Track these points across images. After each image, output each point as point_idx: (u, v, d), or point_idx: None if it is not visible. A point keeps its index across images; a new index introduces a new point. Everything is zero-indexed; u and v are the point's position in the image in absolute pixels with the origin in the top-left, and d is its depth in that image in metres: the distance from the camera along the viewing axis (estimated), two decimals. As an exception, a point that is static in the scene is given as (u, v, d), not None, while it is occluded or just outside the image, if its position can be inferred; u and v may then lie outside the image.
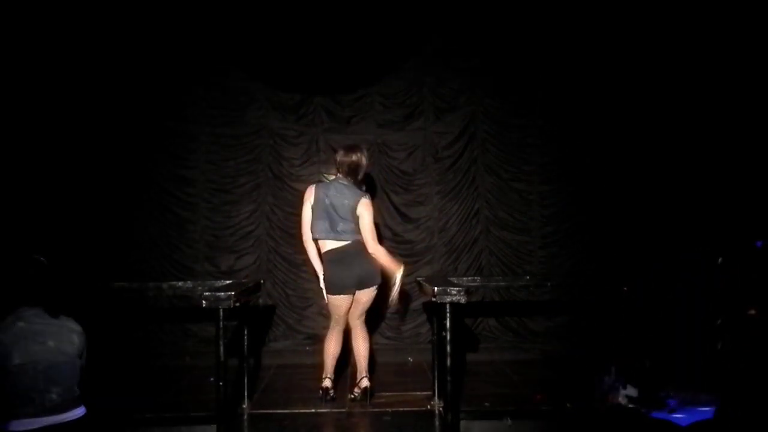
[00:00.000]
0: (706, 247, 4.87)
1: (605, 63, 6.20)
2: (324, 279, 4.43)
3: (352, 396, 4.55)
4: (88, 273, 5.91)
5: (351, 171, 4.47)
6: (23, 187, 5.85)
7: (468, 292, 3.98)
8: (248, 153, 6.32)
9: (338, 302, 4.43)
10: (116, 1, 6.01)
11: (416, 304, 6.17)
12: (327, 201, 4.38)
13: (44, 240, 5.38)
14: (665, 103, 6.16)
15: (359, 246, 4.37)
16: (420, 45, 6.31)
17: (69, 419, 2.80)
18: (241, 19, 6.07)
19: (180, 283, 5.16)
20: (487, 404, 4.46)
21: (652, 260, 5.67)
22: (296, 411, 4.38)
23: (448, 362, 3.90)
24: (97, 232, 6.11)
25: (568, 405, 4.26)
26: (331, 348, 4.54)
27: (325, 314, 6.10)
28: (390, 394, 4.72)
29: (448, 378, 3.92)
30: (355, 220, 4.38)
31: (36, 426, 2.72)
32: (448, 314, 3.90)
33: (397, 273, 4.40)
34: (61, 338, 2.84)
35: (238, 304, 3.95)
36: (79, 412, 2.86)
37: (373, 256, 4.38)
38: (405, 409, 4.41)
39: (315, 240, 4.44)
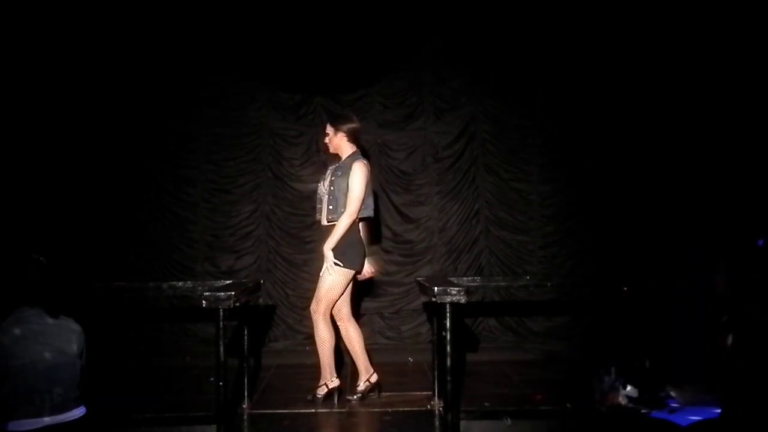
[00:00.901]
0: (706, 247, 4.87)
1: (605, 63, 6.20)
2: (357, 256, 4.39)
3: (358, 395, 4.52)
4: (88, 273, 5.92)
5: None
6: (23, 187, 5.85)
7: (468, 292, 3.98)
8: (248, 153, 6.32)
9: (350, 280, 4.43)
10: (117, 1, 6.02)
11: (416, 304, 6.18)
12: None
13: (44, 240, 5.38)
14: (665, 102, 6.16)
15: None
16: (420, 45, 6.31)
17: (69, 419, 2.80)
18: (241, 20, 6.08)
19: (180, 283, 5.15)
20: (487, 404, 4.45)
21: (652, 260, 5.67)
22: (296, 411, 4.37)
23: (448, 362, 3.90)
24: (98, 232, 6.12)
25: (568, 405, 4.26)
26: (357, 338, 4.51)
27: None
28: (390, 394, 4.71)
29: (448, 378, 3.92)
30: None
31: (36, 426, 2.72)
32: (448, 314, 3.89)
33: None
34: (61, 338, 2.84)
35: (238, 304, 3.95)
36: (79, 412, 2.86)
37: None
38: (405, 409, 4.40)
39: (361, 219, 4.42)
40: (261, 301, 5.86)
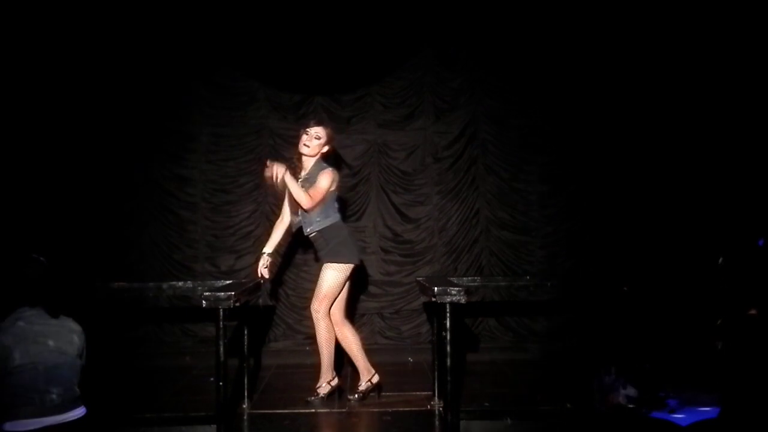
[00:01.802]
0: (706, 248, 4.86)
1: (606, 63, 6.20)
2: (351, 250, 4.48)
3: (359, 394, 4.53)
4: (88, 273, 5.92)
5: None
6: (23, 187, 5.85)
7: (468, 292, 3.99)
8: (248, 153, 6.32)
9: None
10: (117, 1, 6.02)
11: (416, 304, 6.18)
12: None
13: (44, 240, 5.38)
14: (666, 102, 6.16)
15: None
16: (420, 45, 6.31)
17: (69, 419, 2.80)
18: (241, 20, 6.07)
19: (180, 283, 5.16)
20: (487, 404, 4.46)
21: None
22: (296, 411, 4.37)
23: (448, 362, 3.90)
24: (98, 232, 6.12)
25: (568, 405, 4.26)
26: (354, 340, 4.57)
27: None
28: (390, 394, 4.71)
29: (448, 378, 3.92)
30: None
31: (36, 426, 2.72)
32: (448, 314, 3.89)
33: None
34: (61, 338, 2.84)
35: (238, 304, 3.95)
36: (79, 412, 2.85)
37: None
38: (405, 409, 4.41)
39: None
40: (261, 301, 5.85)
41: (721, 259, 2.78)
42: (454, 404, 3.96)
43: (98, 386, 3.19)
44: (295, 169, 4.48)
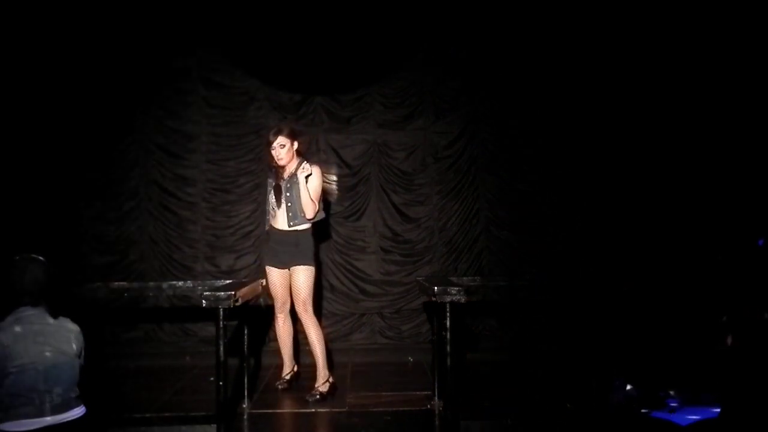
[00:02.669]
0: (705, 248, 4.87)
1: (606, 62, 6.20)
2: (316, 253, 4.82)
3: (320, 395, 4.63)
4: (88, 273, 5.93)
5: None
6: (23, 187, 5.85)
7: (468, 292, 3.99)
8: (248, 153, 6.31)
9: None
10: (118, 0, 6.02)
11: (416, 303, 6.18)
12: None
13: (44, 240, 5.37)
14: (666, 102, 6.16)
15: None
16: (420, 45, 6.31)
17: (69, 419, 2.80)
18: (241, 19, 6.07)
19: (180, 283, 5.16)
20: (487, 404, 4.46)
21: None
22: (296, 411, 4.38)
23: (448, 362, 3.91)
24: (97, 231, 6.13)
25: (568, 405, 4.26)
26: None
27: (324, 314, 6.13)
28: (390, 394, 4.72)
29: (448, 378, 3.93)
30: None
31: (36, 426, 2.72)
32: (448, 314, 3.90)
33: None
34: (60, 338, 2.84)
35: (238, 304, 3.96)
36: (79, 412, 2.85)
37: None
38: (405, 409, 4.41)
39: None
40: (261, 301, 5.85)
41: (719, 257, 2.79)
42: (454, 404, 3.96)
43: (98, 386, 3.19)
44: (276, 172, 4.69)
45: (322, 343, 4.64)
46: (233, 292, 3.89)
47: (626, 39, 6.13)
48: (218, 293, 3.87)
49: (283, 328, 4.78)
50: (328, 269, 6.24)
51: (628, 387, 4.08)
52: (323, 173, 4.80)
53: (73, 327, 2.93)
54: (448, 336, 3.89)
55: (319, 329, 4.67)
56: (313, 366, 4.66)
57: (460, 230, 6.38)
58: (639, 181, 6.18)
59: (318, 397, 4.51)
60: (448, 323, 3.88)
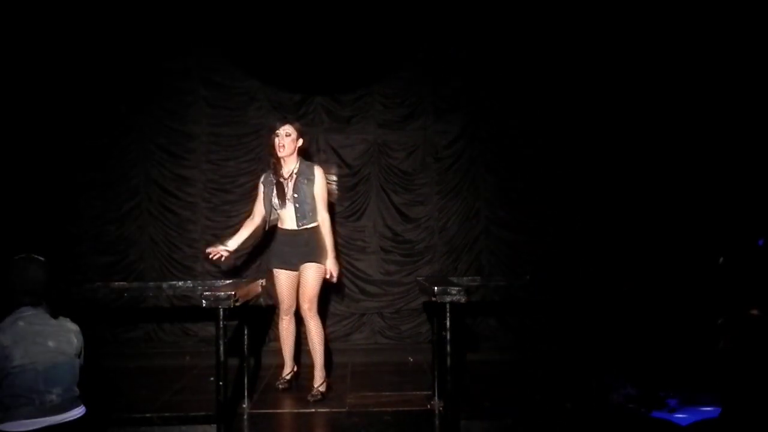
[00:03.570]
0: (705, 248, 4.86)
1: (606, 62, 6.20)
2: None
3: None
4: (88, 273, 5.93)
5: None
6: (23, 187, 5.86)
7: (468, 292, 3.99)
8: (248, 153, 6.31)
9: None
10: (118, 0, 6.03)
11: (416, 303, 6.17)
12: None
13: (44, 240, 5.38)
14: (666, 102, 6.16)
15: None
16: (420, 45, 6.31)
17: (69, 419, 2.81)
18: (241, 19, 6.07)
19: (180, 283, 5.15)
20: (487, 404, 4.46)
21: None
22: (296, 411, 4.38)
23: (448, 362, 3.91)
24: (97, 231, 6.13)
25: (568, 405, 4.26)
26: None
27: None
28: (390, 394, 4.72)
29: (448, 378, 3.93)
30: None
31: (36, 426, 2.72)
32: (448, 314, 3.90)
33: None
34: (59, 338, 2.84)
35: (238, 304, 3.96)
36: (78, 411, 2.86)
37: None
38: (405, 409, 4.41)
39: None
40: (261, 301, 5.85)
41: (721, 259, 2.78)
42: (454, 404, 3.96)
43: (98, 386, 3.19)
44: (275, 168, 4.62)
45: (323, 344, 4.63)
46: (233, 292, 3.89)
47: (626, 39, 6.13)
48: (218, 293, 3.87)
49: (287, 329, 4.77)
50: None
51: (628, 387, 4.08)
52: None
53: (73, 327, 2.93)
54: (448, 336, 3.89)
55: (322, 330, 4.65)
56: (311, 366, 4.67)
57: (460, 230, 6.38)
58: (639, 181, 6.18)
59: (319, 396, 4.53)
60: (448, 323, 3.89)
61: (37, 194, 5.90)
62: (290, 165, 4.61)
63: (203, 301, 3.85)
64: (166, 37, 6.12)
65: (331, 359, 5.39)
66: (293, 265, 4.60)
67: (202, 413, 4.08)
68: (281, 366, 4.93)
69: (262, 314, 6.03)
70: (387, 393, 4.71)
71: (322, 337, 4.64)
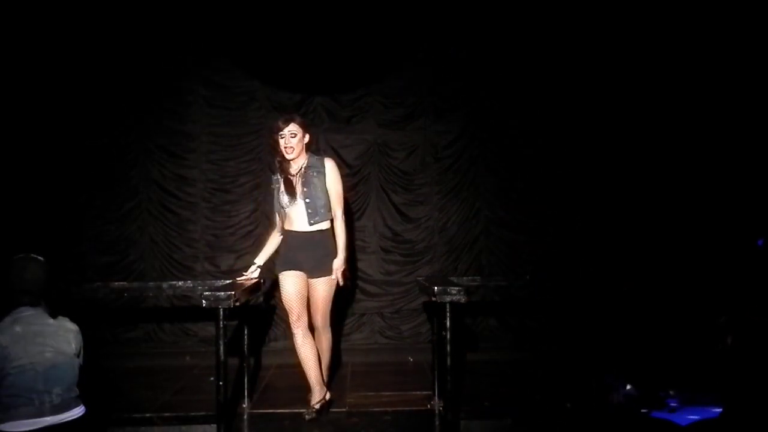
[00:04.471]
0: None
1: (606, 62, 6.20)
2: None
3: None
4: (88, 273, 5.94)
5: None
6: (23, 187, 5.86)
7: (468, 292, 3.99)
8: (248, 153, 6.32)
9: None
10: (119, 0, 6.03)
11: (416, 303, 6.17)
12: None
13: (44, 240, 5.38)
14: (666, 102, 6.16)
15: None
16: (420, 45, 6.31)
17: (69, 419, 2.80)
18: (241, 19, 6.08)
19: (180, 283, 5.15)
20: (487, 404, 4.45)
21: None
22: (296, 411, 4.37)
23: (448, 362, 3.90)
24: (97, 231, 6.13)
25: (568, 405, 4.26)
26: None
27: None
28: (390, 394, 4.71)
29: (448, 378, 3.92)
30: None
31: (36, 426, 2.72)
32: (448, 314, 3.90)
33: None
34: (59, 338, 2.84)
35: (238, 304, 3.95)
36: (78, 411, 2.86)
37: None
38: (405, 409, 4.40)
39: None
40: (261, 300, 5.85)
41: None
42: (454, 404, 3.96)
43: (98, 386, 3.18)
44: (281, 166, 4.24)
45: (330, 358, 4.46)
46: (233, 292, 3.88)
47: (626, 39, 6.13)
48: (218, 293, 3.87)
49: (304, 346, 4.16)
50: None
51: (628, 387, 4.08)
52: None
53: (72, 327, 2.93)
54: (448, 336, 3.89)
55: (332, 344, 4.44)
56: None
57: (460, 230, 6.38)
58: (639, 181, 6.18)
59: (315, 415, 4.20)
60: (448, 323, 3.88)
61: (37, 194, 5.91)
62: (299, 162, 4.23)
63: (203, 301, 3.84)
64: (166, 37, 6.13)
65: (332, 373, 5.32)
66: (304, 271, 4.20)
67: (202, 413, 4.08)
68: (280, 366, 4.88)
69: (262, 314, 6.03)
70: (387, 393, 4.70)
71: (331, 350, 4.46)
